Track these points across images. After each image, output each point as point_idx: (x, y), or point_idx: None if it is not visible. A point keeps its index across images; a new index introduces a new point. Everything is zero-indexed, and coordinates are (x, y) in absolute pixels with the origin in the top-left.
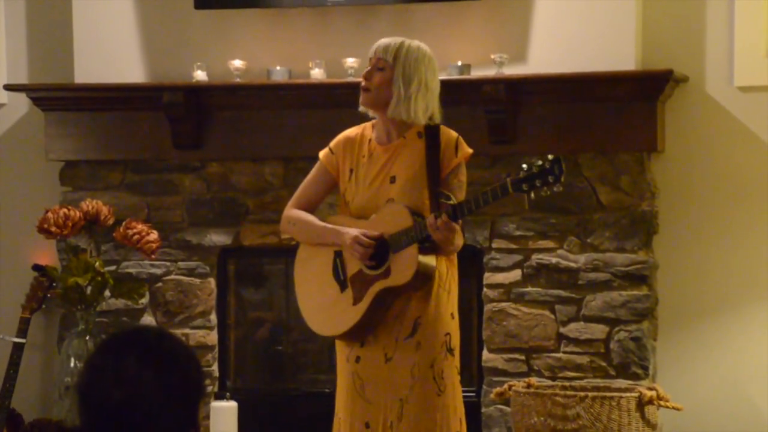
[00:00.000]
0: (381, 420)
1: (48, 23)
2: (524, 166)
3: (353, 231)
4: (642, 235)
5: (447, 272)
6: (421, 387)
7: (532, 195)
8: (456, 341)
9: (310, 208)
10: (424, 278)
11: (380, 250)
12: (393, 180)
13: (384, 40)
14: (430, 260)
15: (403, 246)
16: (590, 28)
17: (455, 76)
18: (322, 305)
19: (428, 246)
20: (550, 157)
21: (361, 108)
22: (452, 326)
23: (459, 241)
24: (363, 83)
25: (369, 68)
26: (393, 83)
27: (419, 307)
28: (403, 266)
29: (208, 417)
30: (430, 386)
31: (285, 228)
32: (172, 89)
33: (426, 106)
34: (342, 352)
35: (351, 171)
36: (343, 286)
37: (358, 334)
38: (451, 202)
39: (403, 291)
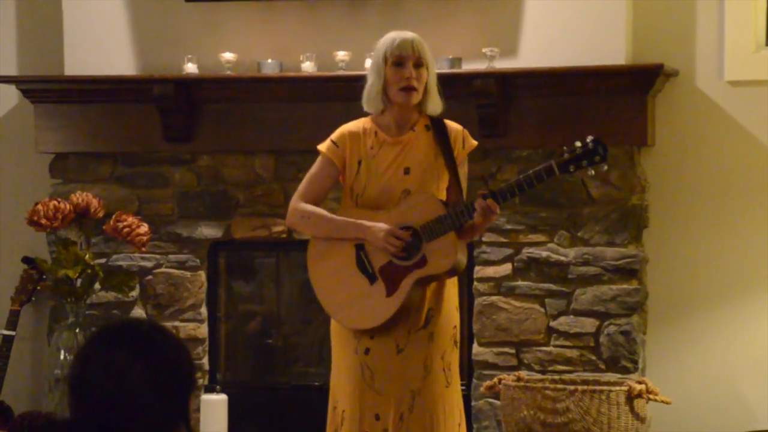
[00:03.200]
0: (392, 411)
1: (38, 15)
2: (565, 148)
3: (382, 225)
4: (632, 229)
5: None
6: (433, 379)
7: (579, 175)
8: (459, 334)
9: (317, 202)
10: (458, 266)
11: (409, 241)
12: (407, 171)
13: (413, 35)
14: (463, 250)
15: (439, 234)
16: (581, 21)
17: (446, 70)
18: (351, 299)
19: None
20: (589, 138)
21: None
22: (457, 318)
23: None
24: (411, 83)
25: (410, 67)
26: (429, 80)
27: (431, 298)
28: (442, 254)
29: (198, 410)
30: (440, 378)
31: (295, 222)
32: (163, 82)
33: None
34: (349, 344)
35: (359, 163)
36: (372, 279)
37: (392, 324)
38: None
39: (439, 278)
